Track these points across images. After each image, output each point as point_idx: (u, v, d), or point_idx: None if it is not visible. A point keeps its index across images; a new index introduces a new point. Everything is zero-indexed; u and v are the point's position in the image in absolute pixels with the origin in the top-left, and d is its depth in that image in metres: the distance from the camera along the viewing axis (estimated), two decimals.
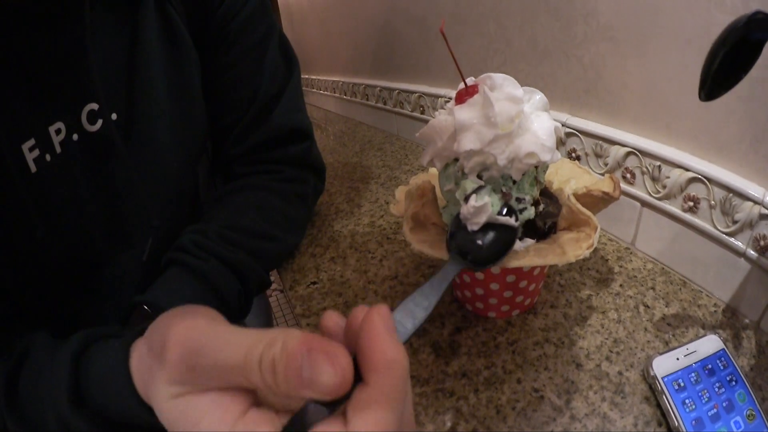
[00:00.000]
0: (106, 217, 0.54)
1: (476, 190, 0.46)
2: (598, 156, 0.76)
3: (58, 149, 0.48)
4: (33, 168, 0.46)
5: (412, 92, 1.33)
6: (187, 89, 0.61)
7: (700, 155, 0.62)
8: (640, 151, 0.68)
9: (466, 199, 0.45)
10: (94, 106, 0.50)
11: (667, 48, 0.61)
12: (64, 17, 0.47)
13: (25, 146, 0.45)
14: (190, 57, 0.61)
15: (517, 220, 0.45)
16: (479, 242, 0.45)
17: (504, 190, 0.46)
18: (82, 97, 0.50)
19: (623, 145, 0.70)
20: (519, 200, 0.47)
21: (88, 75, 0.49)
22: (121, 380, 0.33)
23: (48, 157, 0.47)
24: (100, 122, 0.51)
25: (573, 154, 0.81)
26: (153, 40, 0.56)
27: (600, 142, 0.75)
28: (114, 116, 0.52)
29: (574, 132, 0.79)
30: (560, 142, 0.83)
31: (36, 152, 0.46)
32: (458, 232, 0.46)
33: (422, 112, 1.29)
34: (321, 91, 2.28)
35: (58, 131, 0.48)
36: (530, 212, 0.48)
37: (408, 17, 1.29)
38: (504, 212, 0.45)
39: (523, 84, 0.48)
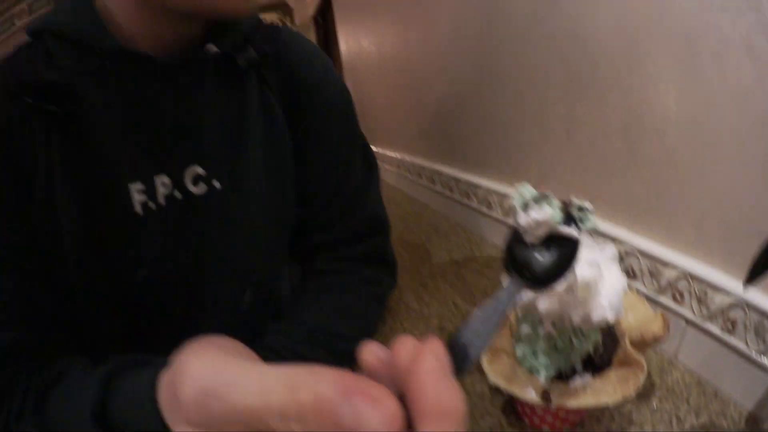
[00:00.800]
0: (201, 270, 0.58)
1: (537, 200, 0.44)
2: (652, 275, 0.82)
3: (163, 201, 0.54)
4: (140, 211, 0.52)
5: (479, 186, 1.40)
6: (281, 170, 0.65)
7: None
8: (692, 276, 0.74)
9: (525, 207, 0.43)
10: (200, 170, 0.56)
11: (727, 176, 0.68)
12: (188, 85, 0.54)
13: (133, 187, 0.51)
14: (286, 142, 0.65)
15: (579, 230, 0.42)
16: (539, 257, 0.40)
17: (564, 200, 0.44)
18: (190, 158, 0.56)
19: (676, 267, 0.77)
20: (581, 209, 0.44)
21: (199, 140, 0.56)
22: (149, 407, 0.32)
23: (153, 206, 0.53)
24: (203, 186, 0.56)
25: (629, 271, 0.87)
26: (256, 121, 0.61)
27: (656, 263, 0.81)
28: (217, 184, 0.57)
29: (632, 251, 0.86)
30: (618, 259, 0.90)
31: (143, 197, 0.52)
32: (516, 246, 0.41)
33: (489, 207, 1.36)
34: (385, 165, 2.33)
35: (163, 184, 0.54)
36: (592, 221, 0.44)
37: (476, 109, 1.37)
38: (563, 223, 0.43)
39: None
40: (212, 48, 0.54)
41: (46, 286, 0.51)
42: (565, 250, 0.39)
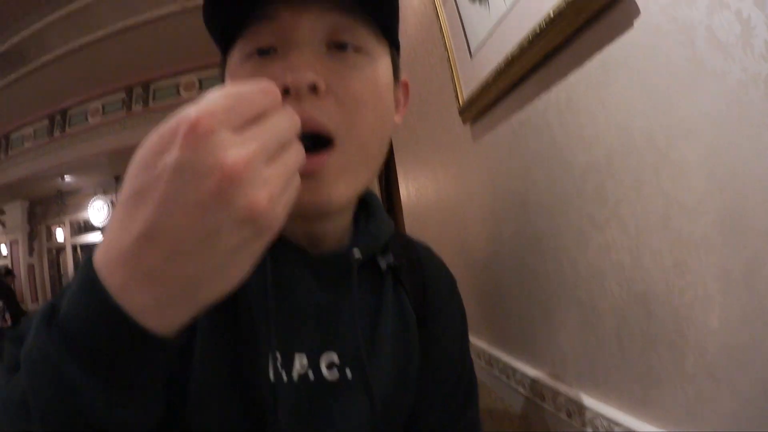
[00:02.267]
0: None
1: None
2: None
3: (296, 378, 0.57)
4: (272, 379, 0.55)
5: (527, 376, 1.42)
6: (406, 369, 0.66)
7: None
8: None
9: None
10: (336, 357, 0.59)
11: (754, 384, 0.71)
12: (334, 279, 0.61)
13: (273, 355, 0.55)
14: (415, 343, 0.67)
15: None
16: None
17: None
18: (327, 345, 0.59)
19: None
20: None
21: (337, 329, 0.60)
22: (83, 275, 0.34)
23: (285, 378, 0.56)
24: (336, 373, 0.59)
25: None
26: (389, 318, 0.65)
27: None
28: (349, 374, 0.60)
29: None
30: None
31: (279, 367, 0.55)
32: None
33: (542, 399, 1.38)
34: None
35: (301, 364, 0.57)
36: None
37: (523, 294, 1.43)
38: None
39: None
40: (357, 253, 0.62)
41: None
42: None
